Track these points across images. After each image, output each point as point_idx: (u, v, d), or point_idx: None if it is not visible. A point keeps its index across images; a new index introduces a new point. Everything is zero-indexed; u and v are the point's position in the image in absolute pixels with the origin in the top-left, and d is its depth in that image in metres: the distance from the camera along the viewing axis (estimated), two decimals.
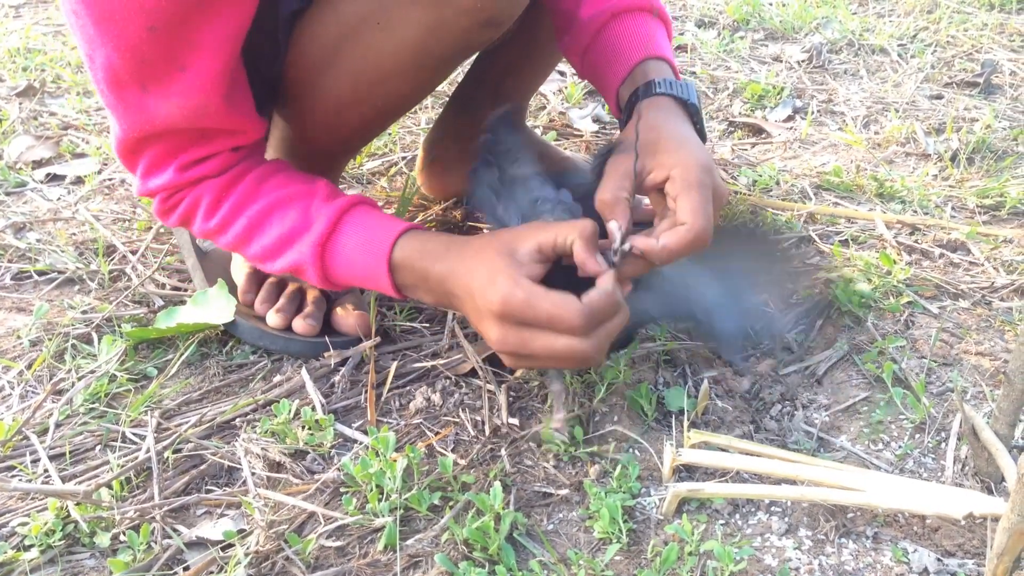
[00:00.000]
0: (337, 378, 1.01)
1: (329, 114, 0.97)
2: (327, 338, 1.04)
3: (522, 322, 0.77)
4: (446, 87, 1.82)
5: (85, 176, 1.45)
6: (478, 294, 0.80)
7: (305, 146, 1.06)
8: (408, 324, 1.11)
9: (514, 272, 0.78)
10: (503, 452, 0.92)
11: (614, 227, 0.81)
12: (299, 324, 1.05)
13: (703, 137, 0.92)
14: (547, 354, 0.78)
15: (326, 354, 1.02)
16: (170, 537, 0.82)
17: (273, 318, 1.05)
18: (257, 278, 1.10)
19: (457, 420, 0.96)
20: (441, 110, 1.42)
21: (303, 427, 0.94)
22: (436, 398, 0.99)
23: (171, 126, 0.85)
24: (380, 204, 1.37)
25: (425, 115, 1.73)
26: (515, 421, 0.96)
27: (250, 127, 0.91)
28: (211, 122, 0.86)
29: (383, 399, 1.00)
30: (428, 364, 1.04)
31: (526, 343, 0.78)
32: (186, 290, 1.16)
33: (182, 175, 0.89)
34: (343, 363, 1.03)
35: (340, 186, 1.45)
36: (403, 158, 1.56)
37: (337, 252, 0.89)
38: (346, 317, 1.06)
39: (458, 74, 1.78)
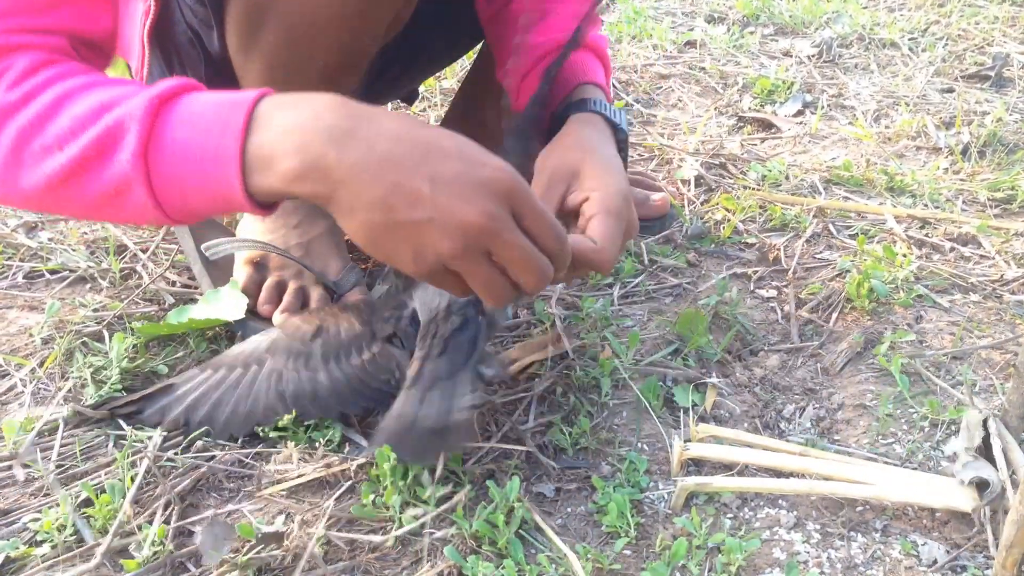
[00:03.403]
0: None
1: (275, 80, 0.86)
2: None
3: (516, 210, 0.69)
4: (453, 83, 1.83)
5: None
6: (471, 156, 0.68)
7: None
8: None
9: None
10: (514, 446, 0.92)
11: None
12: None
13: (625, 163, 0.92)
14: (537, 231, 0.70)
15: None
16: (182, 534, 0.82)
17: (280, 319, 1.05)
18: (257, 280, 1.10)
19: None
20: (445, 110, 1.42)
21: (313, 422, 0.94)
22: None
23: None
24: None
25: (434, 112, 1.73)
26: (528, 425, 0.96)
27: (102, 8, 0.78)
28: None
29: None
30: None
31: (509, 226, 0.68)
32: (197, 287, 1.16)
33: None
34: None
35: None
36: None
37: (181, 107, 0.70)
38: None
39: (458, 77, 1.78)
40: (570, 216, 0.85)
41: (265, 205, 0.71)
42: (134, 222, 0.76)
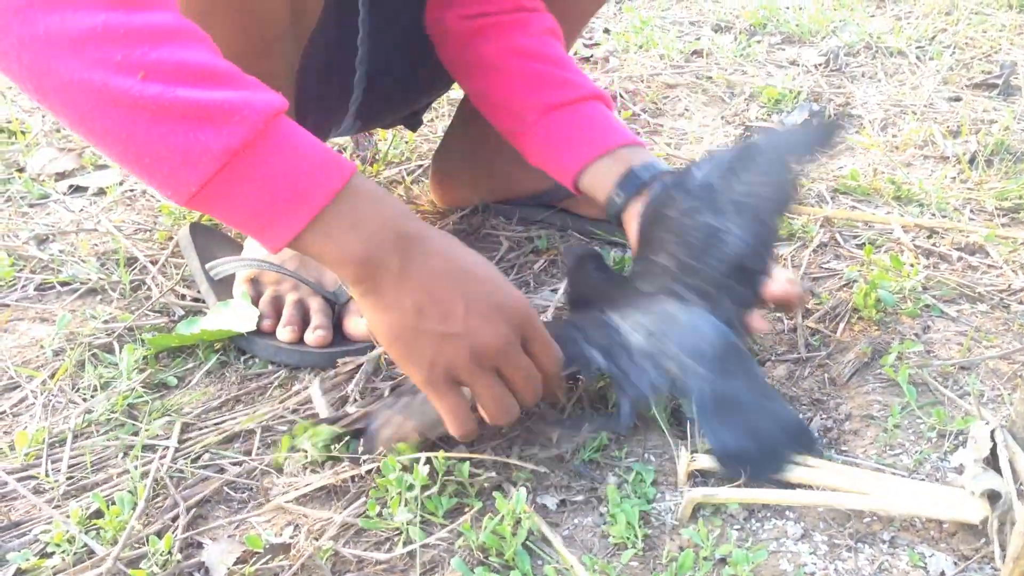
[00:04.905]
0: (351, 386, 1.02)
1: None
2: (340, 347, 1.07)
3: (527, 336, 0.82)
4: (458, 92, 1.83)
5: (107, 187, 1.47)
6: (500, 287, 0.81)
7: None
8: None
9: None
10: (520, 459, 0.92)
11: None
12: (311, 336, 1.06)
13: None
14: (527, 369, 0.83)
15: (339, 361, 1.03)
16: (191, 545, 0.83)
17: (284, 333, 1.06)
18: (254, 297, 1.11)
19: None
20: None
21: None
22: None
23: None
24: None
25: (441, 123, 1.74)
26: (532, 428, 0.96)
27: None
28: None
29: None
30: None
31: (518, 349, 0.82)
32: (206, 302, 1.17)
33: None
34: (357, 369, 1.04)
35: None
36: (419, 167, 1.57)
37: (285, 133, 0.72)
38: (358, 324, 1.07)
39: None
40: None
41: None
42: (144, 175, 0.72)
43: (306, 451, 0.91)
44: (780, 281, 1.00)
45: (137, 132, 0.68)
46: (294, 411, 0.99)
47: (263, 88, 0.73)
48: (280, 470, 0.91)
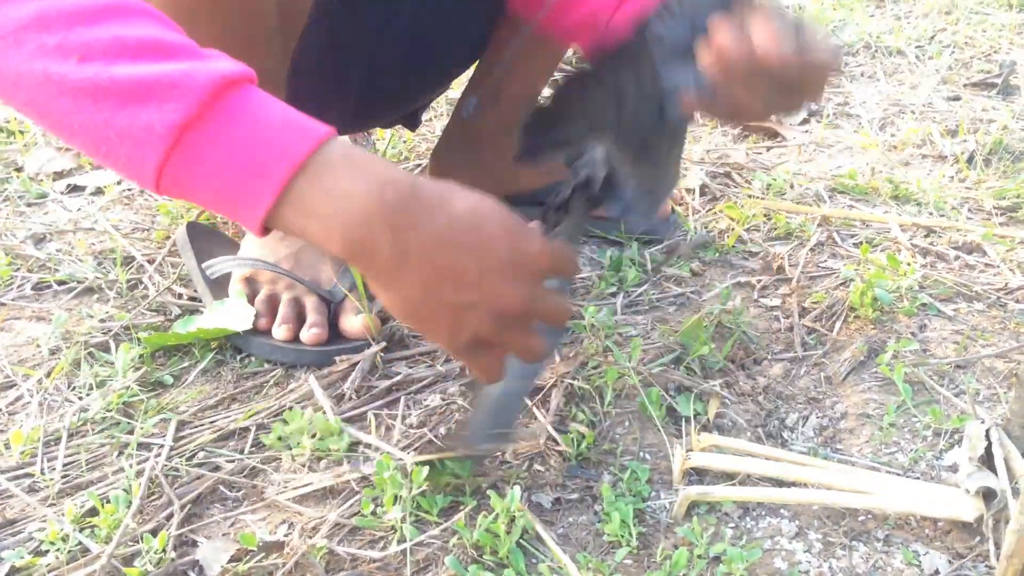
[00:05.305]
0: (347, 384, 1.02)
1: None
2: (336, 345, 1.07)
3: (554, 272, 0.74)
4: (458, 92, 1.83)
5: (105, 187, 1.47)
6: (513, 236, 0.70)
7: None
8: None
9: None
10: (515, 456, 0.92)
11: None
12: (306, 335, 1.06)
13: None
14: (548, 306, 0.74)
15: (337, 358, 1.03)
16: (185, 543, 0.83)
17: (280, 331, 1.06)
18: (251, 296, 1.11)
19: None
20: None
21: (316, 434, 0.95)
22: (448, 403, 0.99)
23: None
24: None
25: (439, 123, 1.74)
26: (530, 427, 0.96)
27: None
28: None
29: (396, 404, 1.00)
30: (443, 369, 1.05)
31: (543, 301, 0.73)
32: (202, 301, 1.17)
33: None
34: (353, 367, 1.04)
35: None
36: (417, 165, 1.57)
37: (243, 101, 0.65)
38: (353, 322, 1.08)
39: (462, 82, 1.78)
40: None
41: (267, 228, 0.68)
42: (111, 165, 0.68)
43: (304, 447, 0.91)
44: (723, 30, 0.75)
45: (85, 119, 0.63)
46: (289, 408, 0.99)
47: (218, 58, 0.66)
48: (278, 468, 0.91)
